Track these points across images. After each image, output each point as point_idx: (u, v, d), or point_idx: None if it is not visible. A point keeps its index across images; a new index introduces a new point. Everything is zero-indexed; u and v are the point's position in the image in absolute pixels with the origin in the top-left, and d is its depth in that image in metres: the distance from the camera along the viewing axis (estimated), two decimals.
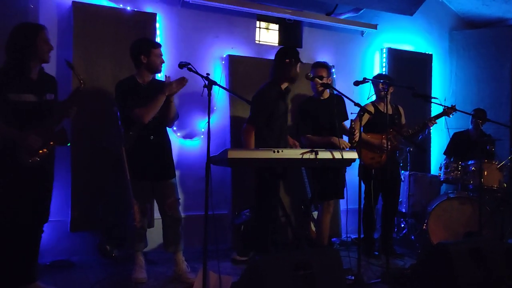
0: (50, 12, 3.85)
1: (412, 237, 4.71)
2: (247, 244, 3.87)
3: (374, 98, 4.34)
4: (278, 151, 2.82)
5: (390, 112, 4.21)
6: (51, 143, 2.81)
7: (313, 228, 4.24)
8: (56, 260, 3.68)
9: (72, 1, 3.84)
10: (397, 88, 4.30)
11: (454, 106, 4.25)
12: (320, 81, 3.81)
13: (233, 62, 4.51)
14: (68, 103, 2.95)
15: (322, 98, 4.03)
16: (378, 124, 4.07)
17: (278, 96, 3.57)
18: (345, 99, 3.57)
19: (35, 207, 2.86)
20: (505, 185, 4.48)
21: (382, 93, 4.22)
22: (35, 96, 2.80)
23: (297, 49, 4.96)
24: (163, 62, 3.38)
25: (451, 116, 4.27)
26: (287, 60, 3.56)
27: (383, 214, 4.35)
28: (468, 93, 5.93)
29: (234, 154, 2.69)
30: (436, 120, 4.30)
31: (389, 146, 3.92)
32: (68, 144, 2.96)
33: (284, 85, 3.63)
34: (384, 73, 5.41)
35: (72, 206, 3.80)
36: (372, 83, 4.20)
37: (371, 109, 4.15)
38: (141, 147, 3.27)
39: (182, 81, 3.24)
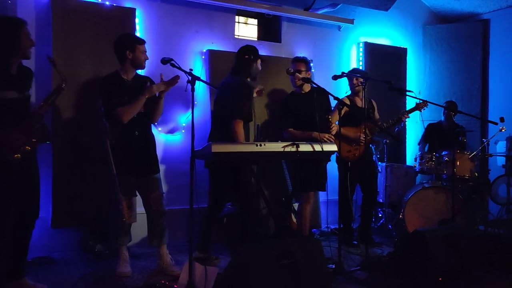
0: (28, 6, 3.80)
1: (390, 226, 4.87)
2: (232, 236, 3.94)
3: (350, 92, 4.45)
4: (260, 145, 2.89)
5: (362, 106, 4.33)
6: (34, 140, 2.78)
7: (294, 220, 4.34)
8: (37, 257, 3.65)
9: None
10: (373, 82, 4.43)
11: (426, 101, 4.38)
12: (300, 76, 3.88)
13: (213, 57, 4.54)
14: (49, 100, 2.90)
15: (303, 92, 4.10)
16: (354, 118, 4.18)
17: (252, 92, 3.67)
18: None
19: (25, 204, 2.87)
20: (476, 174, 4.67)
21: (357, 87, 4.34)
22: (16, 92, 2.76)
23: (276, 43, 5.09)
24: (147, 58, 3.40)
25: (422, 110, 4.42)
26: (246, 56, 3.64)
27: (362, 205, 4.48)
28: (441, 86, 6.13)
29: (218, 148, 2.74)
30: (409, 114, 4.44)
31: (363, 140, 4.06)
32: (48, 142, 2.92)
33: None
34: (360, 67, 5.54)
35: (53, 202, 3.78)
36: (348, 77, 4.31)
37: (348, 103, 4.25)
38: (126, 142, 3.29)
39: (174, 80, 3.26)
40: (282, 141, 3.86)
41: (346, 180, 3.94)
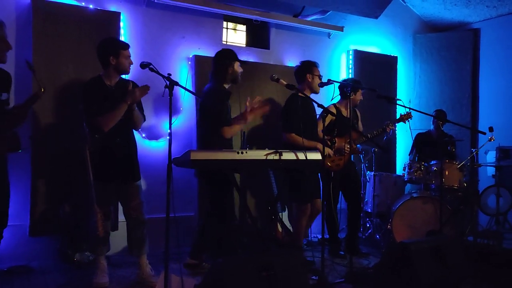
0: (8, 9, 3.72)
1: (377, 236, 4.79)
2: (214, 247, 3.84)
3: (337, 99, 4.38)
4: (242, 152, 2.81)
5: (348, 115, 4.28)
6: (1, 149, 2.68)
7: (280, 229, 4.25)
8: (14, 266, 3.55)
9: None
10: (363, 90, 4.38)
11: (410, 113, 4.36)
12: (284, 83, 3.77)
13: (199, 63, 4.47)
14: (23, 108, 2.80)
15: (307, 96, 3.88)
16: (338, 127, 4.10)
17: (226, 96, 3.58)
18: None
19: None
20: (465, 184, 4.61)
21: (359, 99, 4.29)
22: None
23: (264, 50, 5.04)
24: (131, 63, 3.30)
25: (406, 122, 4.37)
26: (220, 62, 3.58)
27: (348, 215, 4.40)
28: (431, 95, 6.10)
29: (197, 155, 2.66)
30: (396, 125, 4.38)
31: (348, 150, 3.99)
32: (20, 151, 2.79)
33: (226, 86, 3.65)
34: (350, 75, 5.50)
35: (31, 210, 3.68)
36: (339, 86, 4.26)
37: (333, 111, 4.17)
38: (107, 149, 3.19)
39: (145, 89, 3.18)
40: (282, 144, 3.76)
41: (329, 191, 3.87)
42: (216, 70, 3.60)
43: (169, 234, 2.56)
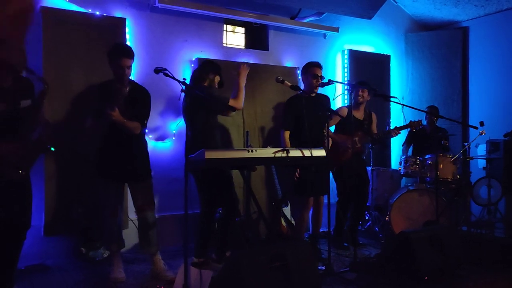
0: None
1: (376, 228, 4.99)
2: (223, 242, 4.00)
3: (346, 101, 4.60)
4: (252, 151, 2.97)
5: (361, 117, 4.49)
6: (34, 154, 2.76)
7: (284, 224, 4.42)
8: (30, 265, 3.67)
9: (40, 6, 3.85)
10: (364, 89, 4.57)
11: (420, 121, 4.53)
12: (289, 84, 3.94)
13: None
14: (35, 109, 2.86)
15: (311, 95, 4.08)
16: (348, 127, 4.29)
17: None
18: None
19: (18, 216, 2.85)
20: (459, 176, 4.82)
21: (361, 99, 4.48)
22: (6, 104, 2.68)
23: (264, 51, 5.20)
24: (124, 73, 3.28)
25: (415, 130, 4.55)
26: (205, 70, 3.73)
27: (352, 208, 4.63)
28: (423, 92, 6.31)
29: (211, 154, 2.82)
30: (400, 131, 4.54)
31: (351, 147, 4.18)
32: (52, 149, 2.86)
33: None
34: (345, 74, 5.69)
35: (46, 211, 3.80)
36: (350, 89, 4.45)
37: (345, 111, 4.42)
38: (117, 149, 3.34)
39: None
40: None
41: (345, 186, 4.07)
42: (194, 77, 3.67)
43: (187, 229, 2.72)
